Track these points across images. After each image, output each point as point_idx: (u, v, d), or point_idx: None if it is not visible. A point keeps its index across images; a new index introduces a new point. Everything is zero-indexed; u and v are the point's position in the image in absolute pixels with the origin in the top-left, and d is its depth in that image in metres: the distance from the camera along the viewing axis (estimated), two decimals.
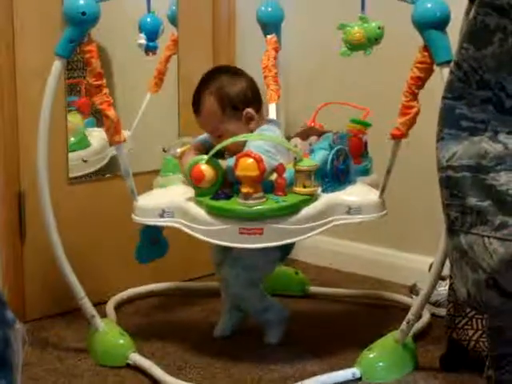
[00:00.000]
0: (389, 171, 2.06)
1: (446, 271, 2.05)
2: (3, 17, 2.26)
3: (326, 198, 2.04)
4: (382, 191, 2.07)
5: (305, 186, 1.99)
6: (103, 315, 2.28)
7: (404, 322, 2.05)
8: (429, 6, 1.91)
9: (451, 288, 2.03)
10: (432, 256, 2.04)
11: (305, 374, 2.03)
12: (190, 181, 2.02)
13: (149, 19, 2.53)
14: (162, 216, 2.06)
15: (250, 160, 1.93)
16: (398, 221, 2.64)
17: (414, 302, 2.12)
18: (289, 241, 2.02)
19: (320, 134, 2.18)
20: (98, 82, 2.01)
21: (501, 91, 1.22)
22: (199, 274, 2.73)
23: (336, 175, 2.07)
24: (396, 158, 2.04)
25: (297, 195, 1.99)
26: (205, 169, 1.99)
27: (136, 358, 2.09)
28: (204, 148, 2.15)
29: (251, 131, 2.12)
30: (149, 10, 2.52)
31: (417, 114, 1.97)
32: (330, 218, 2.03)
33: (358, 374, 2.02)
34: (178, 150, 2.19)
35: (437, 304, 2.38)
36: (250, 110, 2.12)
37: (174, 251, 2.53)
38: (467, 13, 1.26)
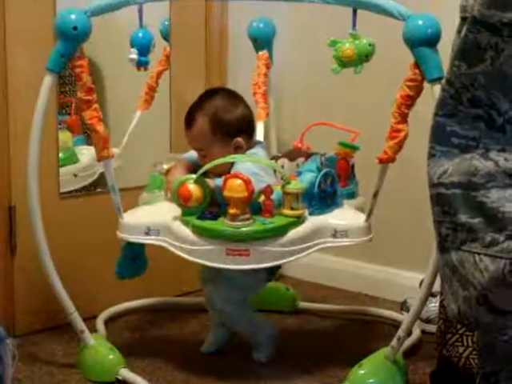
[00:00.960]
0: (375, 195, 2.06)
1: (436, 288, 2.05)
2: None
3: (312, 221, 2.04)
4: (369, 215, 2.07)
5: (292, 209, 1.99)
6: (93, 330, 2.27)
7: (394, 339, 2.05)
8: (420, 23, 1.91)
9: (442, 305, 2.03)
10: (423, 272, 2.04)
11: None
12: (176, 199, 2.01)
13: (140, 34, 2.53)
14: (147, 234, 2.05)
15: (239, 181, 1.93)
16: (390, 237, 2.65)
17: (405, 318, 2.12)
18: (276, 263, 2.01)
19: (307, 155, 2.18)
20: (88, 97, 2.01)
21: (492, 109, 1.23)
22: (189, 289, 2.73)
23: (323, 198, 2.07)
24: (383, 182, 2.03)
25: (284, 217, 1.99)
26: (192, 188, 1.98)
27: (125, 373, 2.08)
28: (191, 166, 2.15)
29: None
30: (141, 25, 2.52)
31: (405, 137, 1.96)
32: (316, 241, 2.04)
33: None
34: (165, 167, 2.19)
35: (427, 320, 2.38)
36: (239, 139, 2.12)
37: (164, 266, 2.54)
38: (459, 31, 1.27)
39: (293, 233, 1.99)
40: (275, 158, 2.23)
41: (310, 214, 2.05)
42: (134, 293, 2.56)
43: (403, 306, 2.48)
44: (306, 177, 2.06)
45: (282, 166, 2.13)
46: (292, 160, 2.20)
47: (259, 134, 2.35)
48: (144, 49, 2.51)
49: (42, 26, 2.29)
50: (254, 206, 1.98)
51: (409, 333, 2.11)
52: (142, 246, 2.16)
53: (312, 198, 2.05)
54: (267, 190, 1.98)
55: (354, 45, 2.13)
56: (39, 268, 2.10)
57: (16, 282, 2.37)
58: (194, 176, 2.00)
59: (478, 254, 1.22)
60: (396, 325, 2.18)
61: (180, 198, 1.99)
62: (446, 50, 1.63)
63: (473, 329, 1.72)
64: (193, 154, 2.18)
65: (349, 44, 2.13)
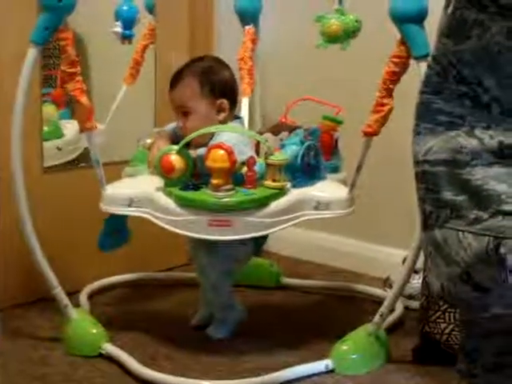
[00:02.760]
0: (359, 168, 2.06)
1: (419, 264, 2.06)
2: None
3: (295, 193, 2.04)
4: (351, 188, 2.08)
5: (275, 180, 2.00)
6: (76, 305, 2.27)
7: (377, 315, 2.06)
8: None
9: (424, 281, 2.04)
10: (406, 249, 2.05)
11: (278, 366, 2.03)
12: (159, 171, 2.01)
13: (125, 7, 2.51)
14: (129, 205, 2.05)
15: (221, 151, 1.93)
16: (373, 213, 2.65)
17: (388, 294, 2.13)
18: (257, 234, 2.01)
19: (291, 129, 2.18)
20: (72, 70, 1.99)
21: (478, 86, 1.23)
22: (174, 264, 2.73)
23: (306, 171, 2.07)
24: (366, 156, 2.04)
25: (266, 189, 1.99)
26: (174, 159, 1.98)
27: (109, 347, 2.09)
28: (173, 137, 2.15)
29: (218, 123, 2.12)
30: None
31: (390, 111, 1.97)
32: (298, 213, 2.04)
33: (330, 366, 2.02)
34: (148, 141, 2.19)
35: (410, 297, 2.39)
36: (224, 100, 2.13)
37: (148, 241, 2.54)
38: (446, 7, 1.26)
39: (275, 204, 1.99)
40: (259, 133, 2.23)
41: (293, 186, 2.05)
42: (118, 267, 2.56)
43: (386, 283, 2.49)
44: (290, 150, 2.06)
45: (266, 140, 2.13)
46: (276, 134, 2.20)
47: (244, 110, 2.34)
48: (129, 22, 2.50)
49: None
50: (236, 177, 1.98)
51: (391, 309, 2.12)
52: (124, 218, 2.16)
53: (295, 171, 2.05)
54: (250, 162, 1.98)
55: (340, 20, 2.13)
56: (22, 242, 2.10)
57: (0, 256, 2.37)
58: (175, 147, 2.00)
59: (462, 231, 1.23)
60: (379, 301, 2.19)
61: (162, 169, 1.99)
62: (432, 26, 1.62)
63: (455, 306, 1.73)
64: (174, 125, 2.18)
65: (335, 20, 2.13)
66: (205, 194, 1.96)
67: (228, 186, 1.95)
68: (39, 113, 2.39)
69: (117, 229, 2.19)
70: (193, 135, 2.01)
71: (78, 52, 2.01)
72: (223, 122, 2.13)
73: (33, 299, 2.39)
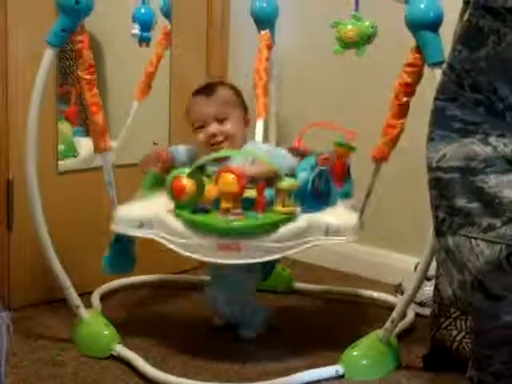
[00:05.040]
0: (368, 194, 2.06)
1: (431, 271, 2.05)
2: None
3: (304, 218, 2.03)
4: (361, 213, 2.08)
5: (284, 206, 1.99)
6: (88, 306, 2.27)
7: (388, 321, 2.05)
8: (422, 6, 1.91)
9: (436, 288, 2.04)
10: (418, 256, 2.05)
11: (288, 370, 2.03)
12: (169, 193, 2.00)
13: (143, 10, 2.53)
14: (140, 227, 2.05)
15: (231, 176, 1.93)
16: (386, 220, 2.65)
17: (399, 301, 2.13)
18: (266, 259, 2.00)
19: (304, 155, 2.18)
20: (89, 77, 2.00)
21: (492, 94, 1.23)
22: (186, 267, 2.73)
23: (316, 196, 2.06)
24: (375, 183, 2.05)
25: (276, 214, 1.98)
26: (186, 182, 1.98)
27: (120, 349, 2.09)
28: (169, 158, 2.16)
29: (244, 135, 2.17)
30: (143, 1, 2.52)
31: (399, 134, 1.97)
32: (308, 238, 2.02)
33: (341, 371, 2.02)
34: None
35: (422, 304, 2.38)
36: (248, 117, 2.20)
37: (161, 244, 2.54)
38: (462, 15, 1.26)
39: (284, 229, 1.98)
40: None
41: (303, 211, 2.04)
42: None
43: (398, 289, 2.48)
44: (300, 175, 2.06)
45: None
46: None
47: (258, 133, 2.34)
48: (146, 25, 2.51)
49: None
50: (246, 201, 1.98)
51: (403, 315, 2.12)
52: (131, 243, 2.16)
53: (305, 196, 2.04)
54: (260, 187, 1.98)
55: (357, 26, 2.13)
56: (36, 243, 2.11)
57: (12, 256, 2.37)
58: (186, 170, 1.99)
59: (475, 238, 1.23)
60: (390, 307, 2.18)
61: (173, 191, 1.98)
62: (448, 33, 1.62)
63: (467, 313, 1.73)
64: (185, 148, 2.20)
65: (351, 25, 2.13)
66: (214, 218, 1.96)
67: (237, 210, 1.94)
68: (55, 112, 2.39)
69: (123, 252, 2.19)
70: (206, 158, 2.02)
71: (94, 56, 2.02)
72: (242, 137, 2.17)
73: (45, 300, 2.40)
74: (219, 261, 1.98)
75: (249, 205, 1.98)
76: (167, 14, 2.64)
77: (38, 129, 2.04)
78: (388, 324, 2.05)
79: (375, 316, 2.36)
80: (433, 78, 1.86)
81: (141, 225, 2.05)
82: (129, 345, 2.13)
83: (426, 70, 1.93)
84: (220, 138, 2.13)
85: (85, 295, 2.30)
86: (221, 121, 2.13)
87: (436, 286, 2.04)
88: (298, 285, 2.62)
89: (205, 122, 2.14)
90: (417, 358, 2.12)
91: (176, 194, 1.98)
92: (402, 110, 1.96)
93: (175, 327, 2.31)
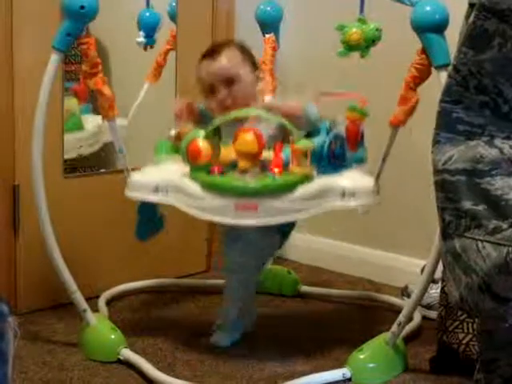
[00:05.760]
0: (385, 158, 2.05)
1: (438, 274, 2.05)
2: (3, 8, 2.26)
3: (320, 181, 2.02)
4: (377, 177, 2.07)
5: (300, 167, 1.98)
6: (95, 310, 2.27)
7: (395, 324, 2.05)
8: (428, 8, 1.91)
9: (443, 291, 2.04)
10: (425, 258, 2.04)
11: (295, 374, 2.03)
12: (185, 156, 1.98)
13: (148, 14, 2.54)
14: (155, 192, 2.04)
15: (250, 135, 1.92)
16: (392, 223, 2.65)
17: (406, 303, 2.13)
18: (283, 219, 2.00)
19: None
20: (94, 70, 2.00)
21: (498, 96, 1.23)
22: (193, 270, 2.74)
23: (332, 159, 2.05)
24: (392, 147, 2.03)
25: (292, 174, 1.98)
26: (202, 145, 1.96)
27: (127, 353, 2.09)
28: (198, 118, 2.13)
29: (256, 94, 2.13)
30: (148, 5, 2.53)
31: (416, 103, 1.96)
32: (324, 200, 2.01)
33: (348, 375, 2.02)
34: (173, 132, 2.17)
35: (428, 306, 2.38)
36: (258, 73, 2.16)
37: (167, 247, 2.54)
38: (467, 17, 1.27)
39: (301, 190, 1.98)
40: None
41: (319, 174, 2.03)
42: (137, 273, 2.57)
43: (404, 292, 2.48)
44: (316, 138, 2.05)
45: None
46: None
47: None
48: (151, 29, 2.52)
49: (48, 4, 2.29)
50: (263, 161, 1.97)
51: (409, 318, 2.11)
52: (154, 204, 2.13)
53: (321, 159, 2.03)
54: (277, 147, 1.96)
55: (361, 29, 2.13)
56: (42, 246, 2.11)
57: (19, 261, 2.38)
58: (202, 132, 1.97)
59: (481, 241, 1.23)
60: (397, 310, 2.18)
61: (189, 154, 1.97)
62: (453, 36, 1.62)
63: (474, 316, 1.73)
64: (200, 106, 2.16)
65: (356, 28, 2.13)
66: (232, 178, 1.95)
67: (255, 170, 1.94)
68: (61, 117, 2.40)
69: (150, 216, 2.17)
70: (220, 120, 1.99)
71: (99, 57, 2.03)
72: (256, 94, 2.13)
73: (52, 304, 2.40)
74: (236, 221, 1.96)
75: (266, 165, 1.97)
76: (174, 18, 2.65)
77: (44, 134, 2.05)
78: (395, 327, 2.05)
79: (382, 319, 2.36)
80: (438, 80, 1.86)
81: (156, 189, 2.03)
82: (135, 349, 2.13)
83: (432, 71, 1.93)
84: (229, 102, 2.08)
85: (91, 299, 2.30)
86: (230, 83, 2.09)
87: (443, 288, 2.04)
88: (305, 288, 2.62)
89: (213, 87, 2.11)
90: (424, 360, 2.12)
91: (192, 157, 1.97)
92: (414, 89, 1.96)
93: (182, 331, 2.31)
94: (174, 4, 2.65)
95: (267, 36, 2.42)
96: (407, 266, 2.58)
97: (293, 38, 2.73)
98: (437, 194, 1.29)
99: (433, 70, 1.92)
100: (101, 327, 2.15)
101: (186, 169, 2.02)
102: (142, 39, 2.48)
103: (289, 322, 2.37)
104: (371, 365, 2.05)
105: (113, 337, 2.13)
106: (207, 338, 2.25)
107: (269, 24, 2.44)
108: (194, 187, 1.98)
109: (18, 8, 2.27)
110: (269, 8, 2.44)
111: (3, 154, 2.31)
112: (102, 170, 2.56)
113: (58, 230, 2.11)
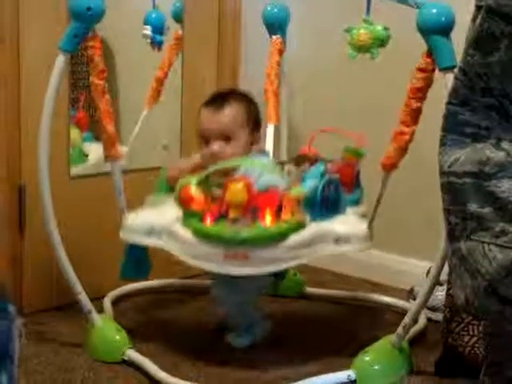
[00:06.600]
0: (378, 201, 2.05)
1: (443, 276, 2.05)
2: (9, 10, 2.26)
3: (313, 227, 2.02)
4: (371, 222, 2.07)
5: (293, 214, 1.98)
6: (100, 311, 2.28)
7: (400, 326, 2.05)
8: (434, 11, 1.91)
9: (448, 293, 2.03)
10: (430, 261, 2.04)
11: (300, 375, 2.03)
12: (178, 202, 2.00)
13: (154, 15, 2.54)
14: (148, 236, 2.05)
15: (240, 185, 1.93)
16: (398, 225, 2.65)
17: (411, 306, 2.12)
18: (273, 268, 2.00)
19: (313, 161, 2.17)
20: (101, 82, 2.01)
21: (505, 98, 1.23)
22: (197, 271, 2.73)
23: (325, 204, 2.05)
24: (385, 191, 2.03)
25: (284, 223, 1.97)
26: (194, 192, 1.97)
27: (132, 354, 2.09)
28: (198, 169, 2.12)
29: (250, 152, 2.12)
30: (154, 6, 2.53)
31: (409, 141, 1.95)
32: (316, 247, 2.01)
33: (353, 377, 2.02)
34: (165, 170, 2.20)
35: (434, 309, 2.38)
36: (259, 134, 2.15)
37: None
38: (474, 19, 1.26)
39: (293, 238, 1.97)
40: (282, 164, 2.23)
41: (312, 220, 2.03)
42: None
43: (410, 294, 2.48)
44: (309, 183, 2.05)
45: (289, 172, 2.13)
46: (298, 166, 2.19)
47: (269, 138, 2.29)
48: (157, 28, 2.52)
49: (55, 5, 2.29)
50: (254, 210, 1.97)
51: (415, 321, 2.11)
52: (144, 249, 2.17)
53: (314, 205, 2.03)
54: (270, 195, 1.97)
55: (369, 30, 2.13)
56: (48, 247, 2.11)
57: (24, 261, 2.38)
58: (194, 179, 1.98)
59: (487, 243, 1.22)
60: (402, 312, 2.18)
61: (181, 200, 1.98)
62: (460, 38, 1.62)
63: (480, 318, 1.72)
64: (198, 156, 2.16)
65: (363, 29, 2.13)
66: (223, 227, 1.96)
67: (246, 220, 1.94)
68: (67, 117, 2.40)
69: (138, 258, 2.21)
70: (213, 168, 1.99)
71: (105, 60, 2.03)
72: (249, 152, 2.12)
73: (57, 305, 2.41)
74: (227, 271, 1.97)
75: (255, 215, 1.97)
76: (179, 19, 2.65)
77: (50, 134, 2.05)
78: (400, 329, 2.05)
79: (387, 321, 2.36)
80: (445, 82, 1.86)
81: (149, 233, 2.05)
82: (140, 350, 2.13)
83: (439, 75, 1.93)
84: (220, 158, 2.06)
85: (96, 300, 2.30)
86: (226, 139, 2.09)
87: (448, 291, 2.04)
88: (309, 290, 2.61)
89: (208, 138, 2.10)
90: (429, 363, 2.11)
91: (184, 204, 1.98)
92: (413, 117, 1.95)
93: (187, 332, 2.31)
94: (178, 4, 2.65)
95: (274, 38, 2.42)
96: (413, 269, 2.58)
97: (299, 40, 2.73)
98: (443, 196, 1.29)
99: (439, 73, 1.92)
100: (106, 328, 2.15)
101: (181, 213, 2.02)
102: (147, 31, 2.47)
103: (293, 323, 2.37)
104: (376, 367, 2.04)
105: (118, 337, 2.13)
106: (212, 338, 2.25)
107: (275, 25, 2.44)
108: (186, 234, 1.99)
109: (24, 8, 2.28)
110: (276, 9, 2.44)
111: (9, 154, 2.31)
112: (108, 171, 2.56)
113: (64, 230, 2.12)
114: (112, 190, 2.12)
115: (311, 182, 2.05)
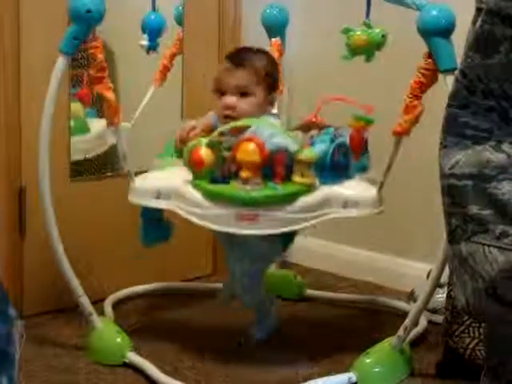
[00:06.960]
0: (389, 168, 2.04)
1: (444, 278, 2.05)
2: (9, 12, 2.26)
3: (323, 190, 2.02)
4: (381, 187, 2.06)
5: (303, 176, 1.99)
6: (101, 313, 2.28)
7: (401, 328, 2.05)
8: (434, 13, 1.91)
9: (449, 295, 2.03)
10: (431, 263, 2.04)
11: (301, 377, 2.03)
12: (187, 164, 1.98)
13: (153, 17, 2.53)
14: (157, 198, 2.04)
15: (252, 145, 1.92)
16: (398, 227, 2.65)
17: (412, 308, 2.12)
18: (284, 230, 2.00)
19: (321, 128, 2.17)
20: (100, 75, 2.01)
21: (505, 101, 1.23)
22: (198, 274, 2.74)
23: (335, 168, 2.05)
24: (396, 156, 2.02)
25: (294, 185, 1.98)
26: (204, 153, 1.95)
27: (133, 357, 2.09)
28: (210, 128, 2.10)
29: (264, 112, 2.11)
30: (153, 9, 2.53)
31: (420, 113, 1.96)
32: (326, 210, 2.02)
33: (354, 379, 2.02)
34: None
35: (434, 311, 2.38)
36: (275, 95, 2.14)
37: (173, 251, 2.54)
38: (474, 21, 1.26)
39: (302, 200, 1.98)
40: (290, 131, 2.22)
41: (321, 183, 2.03)
42: (143, 277, 2.57)
43: (410, 296, 2.48)
44: (319, 147, 2.05)
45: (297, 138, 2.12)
46: (306, 132, 2.18)
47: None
48: (155, 32, 2.51)
49: (55, 7, 2.29)
50: (265, 171, 1.96)
51: (415, 323, 2.11)
52: (159, 210, 2.13)
53: (324, 168, 2.03)
54: (279, 157, 1.96)
55: (367, 33, 2.13)
56: (48, 250, 2.11)
57: (25, 264, 2.38)
58: (205, 140, 1.97)
59: (488, 245, 1.22)
60: (403, 315, 2.18)
61: (191, 162, 1.97)
62: (460, 40, 1.62)
63: (480, 320, 1.72)
64: (211, 117, 2.14)
65: (361, 33, 2.13)
66: (233, 188, 1.95)
67: (257, 180, 1.94)
68: (67, 120, 2.41)
69: (155, 221, 2.17)
70: (223, 128, 1.98)
71: (106, 60, 2.03)
72: (264, 113, 2.12)
73: (58, 307, 2.41)
74: (237, 231, 1.96)
75: (268, 175, 1.96)
76: (180, 22, 2.65)
77: (50, 136, 2.05)
78: (401, 331, 2.05)
79: (388, 323, 2.36)
80: (445, 84, 1.86)
81: (158, 195, 2.03)
82: (141, 352, 2.13)
83: (440, 77, 1.93)
84: (234, 114, 2.06)
85: (97, 303, 2.30)
86: (242, 94, 2.08)
87: (449, 293, 2.04)
88: (310, 292, 2.61)
89: (225, 91, 2.09)
90: (430, 365, 2.12)
91: (194, 165, 1.97)
92: (418, 97, 1.95)
93: (188, 335, 2.31)
94: (180, 7, 2.66)
95: (273, 40, 2.42)
96: (414, 271, 2.58)
97: (299, 40, 2.73)
98: (443, 198, 1.29)
99: (439, 74, 1.92)
100: (107, 331, 2.15)
101: (189, 174, 2.02)
102: (144, 42, 2.47)
103: (294, 326, 2.37)
104: (377, 369, 2.04)
105: (118, 340, 2.13)
106: (213, 341, 2.25)
107: (275, 28, 2.44)
108: (196, 195, 1.98)
109: (24, 11, 2.28)
110: (275, 12, 2.44)
111: (10, 156, 2.32)
112: (109, 174, 2.56)
113: (64, 232, 2.12)
114: (113, 192, 2.12)
115: (321, 146, 2.04)
